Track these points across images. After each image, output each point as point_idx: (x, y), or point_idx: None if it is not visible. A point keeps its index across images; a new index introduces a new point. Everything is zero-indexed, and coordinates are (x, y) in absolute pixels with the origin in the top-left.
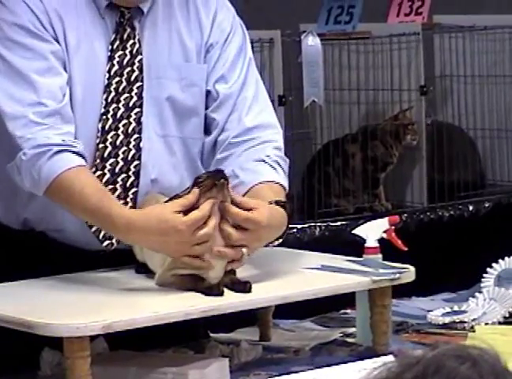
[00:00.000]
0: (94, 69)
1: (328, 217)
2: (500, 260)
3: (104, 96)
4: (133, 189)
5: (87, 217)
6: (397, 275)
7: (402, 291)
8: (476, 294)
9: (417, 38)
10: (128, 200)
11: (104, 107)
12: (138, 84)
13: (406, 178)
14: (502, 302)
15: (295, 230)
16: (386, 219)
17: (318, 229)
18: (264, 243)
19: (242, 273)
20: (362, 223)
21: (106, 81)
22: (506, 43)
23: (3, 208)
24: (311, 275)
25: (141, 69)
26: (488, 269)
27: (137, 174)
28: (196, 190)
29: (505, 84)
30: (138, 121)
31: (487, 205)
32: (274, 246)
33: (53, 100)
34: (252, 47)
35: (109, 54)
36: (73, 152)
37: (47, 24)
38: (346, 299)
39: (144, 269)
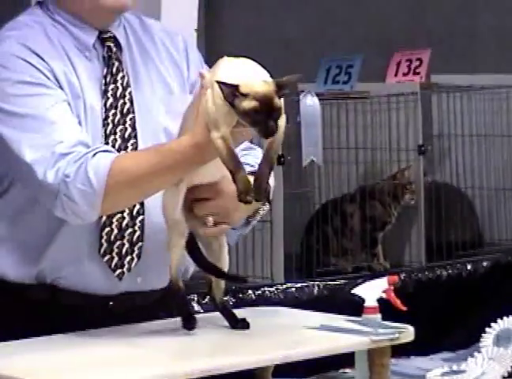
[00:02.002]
0: (93, 108)
1: (326, 276)
2: (499, 320)
3: (104, 129)
4: (140, 217)
5: (158, 174)
6: (396, 335)
7: (401, 351)
8: (475, 353)
9: (415, 97)
10: (136, 228)
11: (105, 139)
12: (131, 115)
13: (404, 237)
14: (501, 361)
15: (293, 289)
16: (385, 278)
17: (316, 288)
18: (237, 214)
19: (240, 332)
20: (360, 283)
21: (103, 114)
22: (504, 103)
23: (15, 264)
24: (311, 334)
25: (131, 101)
26: (487, 329)
27: (141, 202)
28: None
29: (502, 144)
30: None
31: (485, 264)
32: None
33: (73, 134)
34: None
35: (103, 87)
36: (106, 151)
37: (50, 74)
38: (345, 358)
39: (193, 323)
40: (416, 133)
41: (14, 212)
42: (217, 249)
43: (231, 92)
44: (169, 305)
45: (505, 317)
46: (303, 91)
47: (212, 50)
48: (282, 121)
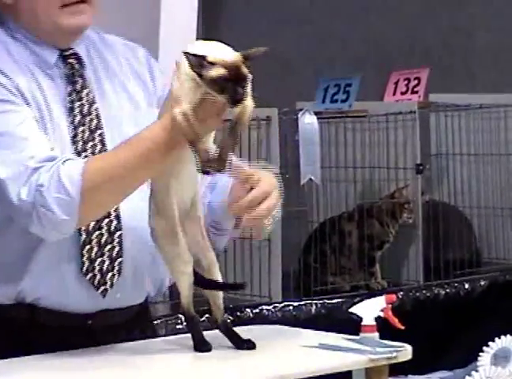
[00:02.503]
0: (60, 126)
1: (324, 295)
2: (496, 339)
3: (74, 146)
4: (118, 233)
5: (132, 167)
6: (394, 354)
7: (399, 369)
8: (473, 372)
9: (413, 116)
10: (115, 244)
11: (77, 157)
12: (99, 131)
13: (402, 256)
14: None
15: (291, 308)
16: (383, 297)
17: (314, 307)
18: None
19: (238, 351)
20: (358, 301)
21: (72, 133)
22: (501, 122)
23: None
24: (309, 353)
25: (98, 117)
26: (485, 348)
27: (117, 217)
28: None
29: (500, 163)
30: None
31: (482, 283)
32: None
33: (43, 150)
34: (249, 125)
35: (69, 105)
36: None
37: (16, 91)
38: (343, 377)
39: (206, 346)
40: (414, 152)
41: None
42: (207, 266)
43: (199, 62)
44: (143, 323)
45: (502, 336)
46: (301, 110)
47: None
48: (249, 102)
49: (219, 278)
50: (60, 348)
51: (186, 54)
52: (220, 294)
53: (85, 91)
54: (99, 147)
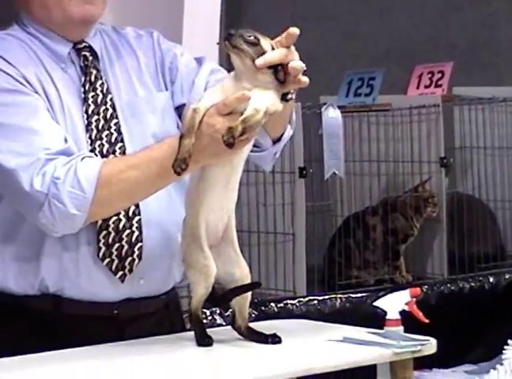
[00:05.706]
0: (72, 115)
1: (349, 289)
2: None
3: (88, 135)
4: (137, 218)
5: (148, 177)
6: (419, 348)
7: (423, 363)
8: (498, 366)
9: (437, 110)
10: (134, 229)
11: (90, 145)
12: (114, 120)
13: (426, 250)
14: None
15: (315, 302)
16: (407, 291)
17: (338, 301)
18: None
19: (263, 345)
20: (383, 295)
21: (86, 121)
22: None
23: (16, 272)
24: (333, 347)
25: (113, 108)
26: (509, 341)
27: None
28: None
29: None
30: (124, 155)
31: (507, 277)
32: None
33: (58, 143)
34: None
35: (83, 95)
36: (92, 157)
37: (23, 80)
38: (368, 371)
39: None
40: (438, 146)
41: (5, 225)
42: (233, 255)
43: None
44: (173, 315)
45: None
46: (324, 104)
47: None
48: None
49: (245, 265)
50: (87, 339)
51: None
52: (247, 303)
53: (99, 82)
54: (115, 135)
